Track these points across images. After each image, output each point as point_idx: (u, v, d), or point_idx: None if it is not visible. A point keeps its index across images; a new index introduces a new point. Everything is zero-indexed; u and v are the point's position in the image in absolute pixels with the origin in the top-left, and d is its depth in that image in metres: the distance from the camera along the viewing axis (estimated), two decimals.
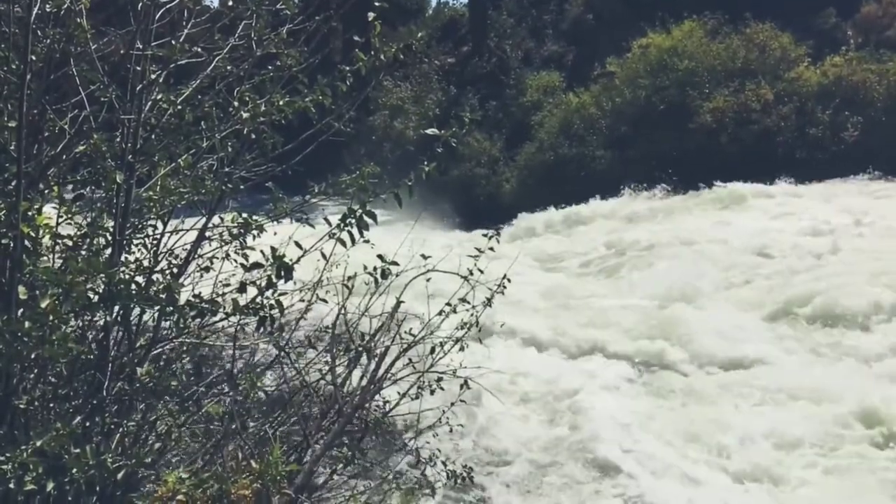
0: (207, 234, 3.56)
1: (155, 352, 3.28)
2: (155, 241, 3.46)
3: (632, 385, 9.51)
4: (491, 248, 4.32)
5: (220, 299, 3.09)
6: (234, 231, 3.33)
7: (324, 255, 3.41)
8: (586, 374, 9.70)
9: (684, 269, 13.08)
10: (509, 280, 4.54)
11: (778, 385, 8.79)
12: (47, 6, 2.99)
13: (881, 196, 17.14)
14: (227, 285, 3.49)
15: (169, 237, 3.53)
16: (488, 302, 4.38)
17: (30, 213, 2.61)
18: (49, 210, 2.96)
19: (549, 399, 8.91)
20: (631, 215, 18.78)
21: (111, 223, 3.05)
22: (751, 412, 8.38)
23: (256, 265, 2.99)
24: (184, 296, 2.82)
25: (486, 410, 7.98)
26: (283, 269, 2.92)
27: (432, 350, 4.23)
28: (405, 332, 4.25)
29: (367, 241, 3.23)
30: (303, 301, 4.00)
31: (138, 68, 3.09)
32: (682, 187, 19.84)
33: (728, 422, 8.10)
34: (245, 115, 3.32)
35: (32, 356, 2.56)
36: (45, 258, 2.91)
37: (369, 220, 3.19)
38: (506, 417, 8.24)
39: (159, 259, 3.43)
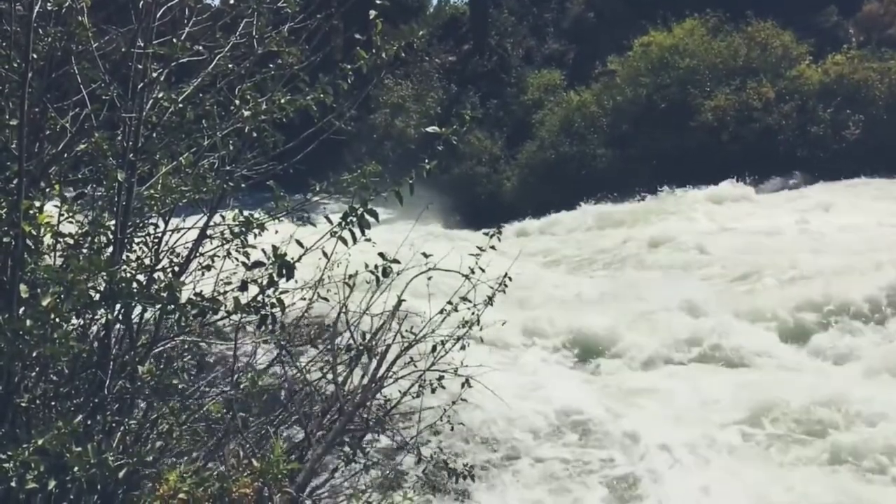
0: (209, 232, 3.56)
1: (156, 350, 3.28)
2: (156, 240, 3.46)
3: (584, 368, 10.24)
4: (492, 247, 4.32)
5: (221, 298, 3.09)
6: (236, 229, 3.32)
7: (325, 254, 3.41)
8: (540, 360, 10.24)
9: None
10: (510, 278, 4.54)
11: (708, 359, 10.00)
12: (49, 4, 2.99)
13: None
14: (229, 283, 3.49)
15: (170, 235, 3.53)
16: (490, 300, 4.38)
17: (31, 212, 2.61)
18: (50, 208, 2.96)
19: (514, 388, 9.00)
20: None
21: (112, 221, 3.05)
22: (694, 381, 9.32)
23: (258, 263, 2.99)
24: (185, 294, 2.81)
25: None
26: (285, 267, 2.92)
27: (433, 348, 4.23)
28: (406, 331, 4.25)
29: (368, 240, 3.23)
30: (304, 299, 4.00)
31: (139, 66, 3.08)
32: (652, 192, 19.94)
33: (677, 394, 8.95)
34: (246, 113, 3.32)
35: (34, 354, 2.55)
36: (47, 256, 2.91)
37: (370, 219, 3.18)
38: (475, 406, 8.29)
39: (160, 257, 3.43)
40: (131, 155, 3.05)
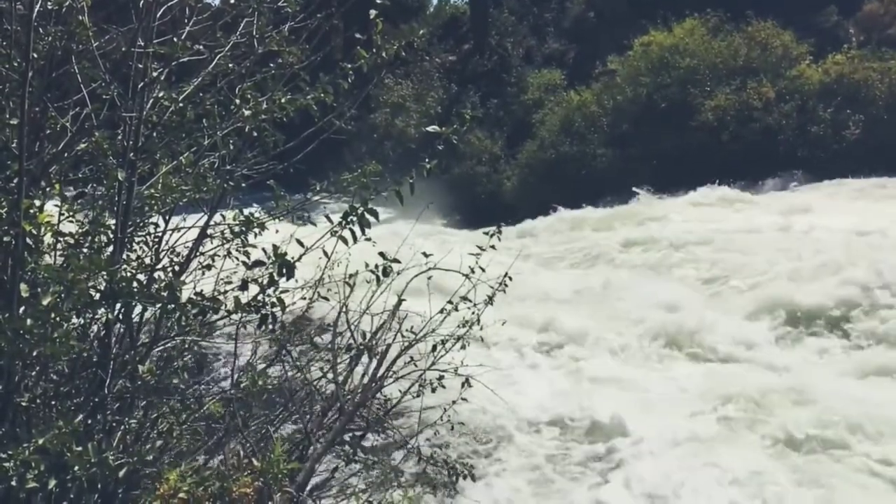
0: (209, 231, 3.57)
1: (156, 350, 3.29)
2: (156, 239, 3.46)
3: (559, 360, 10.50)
4: (492, 247, 4.32)
5: (221, 297, 3.09)
6: (236, 229, 3.32)
7: (325, 253, 3.41)
8: (515, 354, 10.51)
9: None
10: (510, 278, 4.54)
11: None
12: (49, 4, 2.99)
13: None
14: (229, 283, 3.49)
15: (170, 235, 3.53)
16: (490, 300, 4.38)
17: (31, 211, 2.61)
18: (51, 208, 2.95)
19: (493, 381, 9.08)
20: None
21: (113, 221, 3.05)
22: (666, 372, 9.79)
23: (258, 263, 2.99)
24: (185, 293, 2.81)
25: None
26: (285, 266, 2.92)
27: (434, 348, 4.22)
28: (406, 330, 4.25)
29: (368, 239, 3.23)
30: (304, 299, 4.00)
31: (140, 66, 3.08)
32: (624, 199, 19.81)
33: (652, 381, 9.46)
34: (246, 112, 3.32)
35: (34, 354, 2.55)
36: (47, 256, 2.91)
37: (371, 218, 3.18)
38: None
39: (161, 257, 3.43)
40: (132, 154, 3.05)
